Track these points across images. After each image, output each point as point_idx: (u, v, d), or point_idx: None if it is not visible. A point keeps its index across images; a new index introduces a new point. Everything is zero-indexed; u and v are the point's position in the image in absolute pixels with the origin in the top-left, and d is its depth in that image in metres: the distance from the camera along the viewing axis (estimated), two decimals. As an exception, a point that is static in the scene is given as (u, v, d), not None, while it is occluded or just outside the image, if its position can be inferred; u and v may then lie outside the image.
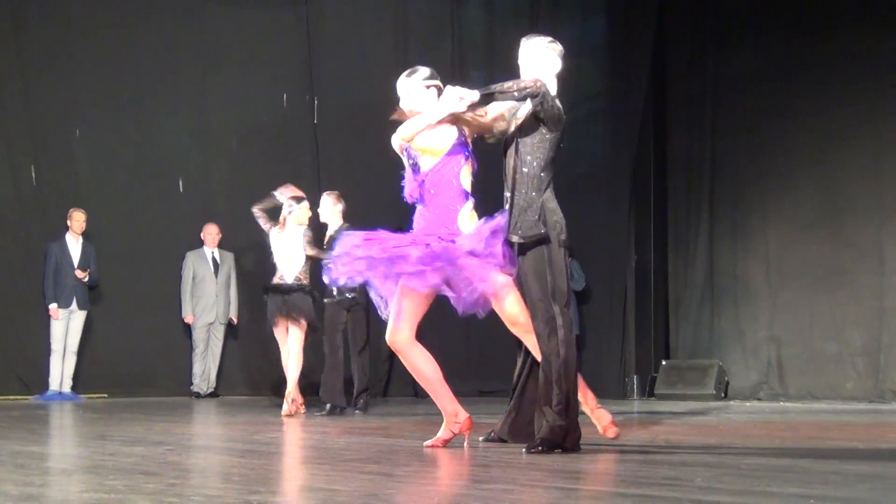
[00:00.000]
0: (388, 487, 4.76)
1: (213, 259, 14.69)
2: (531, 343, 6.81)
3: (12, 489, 4.56)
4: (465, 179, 6.92)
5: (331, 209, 11.53)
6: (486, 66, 15.96)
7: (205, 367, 14.64)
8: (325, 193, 11.70)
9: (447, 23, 15.86)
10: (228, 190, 15.19)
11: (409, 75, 7.03)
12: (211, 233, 14.61)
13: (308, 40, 15.69)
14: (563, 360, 6.50)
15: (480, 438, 7.15)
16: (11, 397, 13.76)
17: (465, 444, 6.77)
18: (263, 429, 8.75)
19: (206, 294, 14.64)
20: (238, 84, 15.54)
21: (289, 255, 11.32)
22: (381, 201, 15.22)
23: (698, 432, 8.33)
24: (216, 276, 14.67)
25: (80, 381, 14.07)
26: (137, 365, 14.62)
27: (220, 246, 14.72)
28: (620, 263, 15.03)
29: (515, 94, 6.66)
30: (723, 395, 14.18)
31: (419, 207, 6.89)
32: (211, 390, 14.57)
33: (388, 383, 15.11)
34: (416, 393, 14.97)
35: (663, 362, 14.87)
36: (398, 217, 14.78)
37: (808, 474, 5.39)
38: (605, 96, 15.46)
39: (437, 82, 7.01)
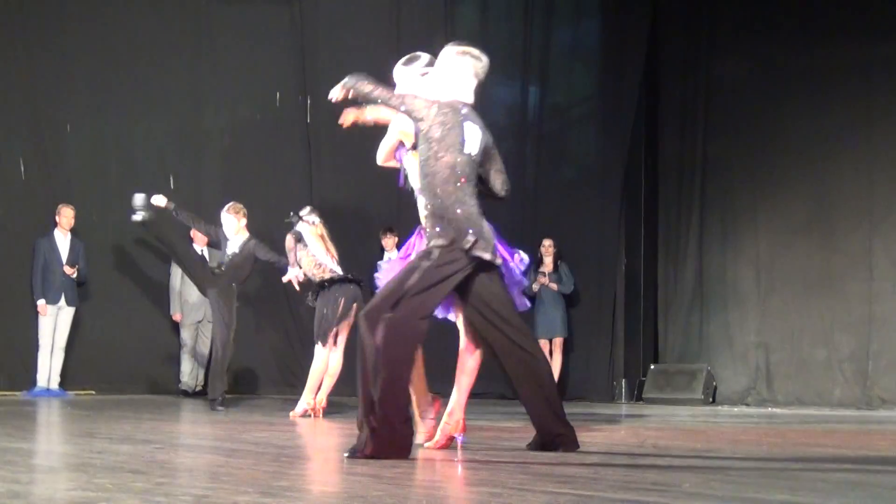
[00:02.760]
0: (376, 489, 4.75)
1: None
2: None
3: (-1, 486, 4.55)
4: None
5: (235, 226, 11.52)
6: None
7: (193, 365, 14.64)
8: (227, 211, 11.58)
9: (440, 22, 15.86)
10: (219, 188, 15.15)
11: (406, 63, 6.91)
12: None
13: (301, 39, 15.70)
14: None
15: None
16: (-1, 393, 13.76)
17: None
18: (251, 428, 8.74)
19: (195, 292, 14.62)
20: (231, 82, 15.54)
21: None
22: (373, 200, 15.30)
23: (686, 437, 8.34)
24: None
25: (68, 377, 14.06)
26: (125, 362, 14.62)
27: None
28: (610, 266, 15.04)
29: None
30: (711, 399, 14.20)
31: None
32: (199, 388, 14.56)
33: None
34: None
35: (651, 366, 14.88)
36: (390, 216, 14.90)
37: (797, 481, 5.39)
38: (597, 99, 15.50)
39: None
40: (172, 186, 15.00)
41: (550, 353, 14.70)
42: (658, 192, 15.31)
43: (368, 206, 15.39)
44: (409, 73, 6.80)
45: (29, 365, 13.96)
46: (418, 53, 6.93)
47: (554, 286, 14.71)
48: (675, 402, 14.03)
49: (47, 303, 13.80)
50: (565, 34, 15.91)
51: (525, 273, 6.92)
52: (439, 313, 6.75)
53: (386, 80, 6.84)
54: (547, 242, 14.75)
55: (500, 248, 6.51)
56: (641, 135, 15.23)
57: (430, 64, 6.72)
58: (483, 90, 17.00)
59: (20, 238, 14.16)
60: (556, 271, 14.75)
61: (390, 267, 6.84)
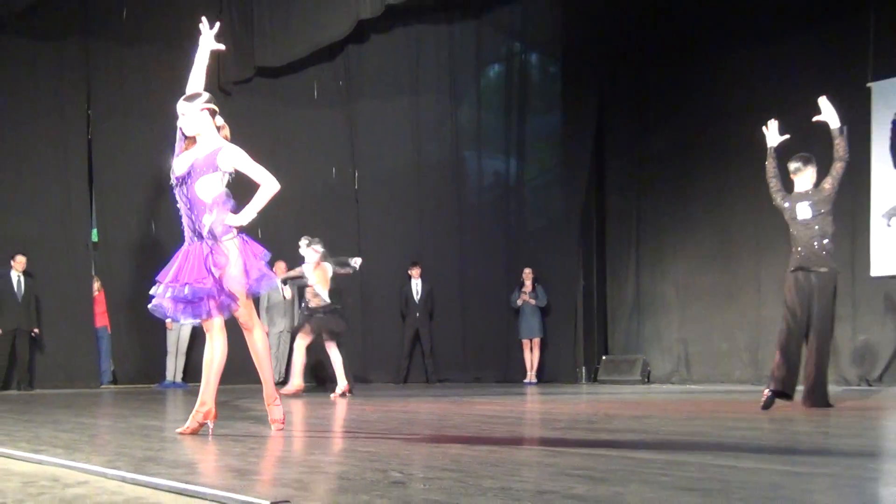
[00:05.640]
0: (406, 449, 4.75)
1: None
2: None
3: (138, 453, 4.56)
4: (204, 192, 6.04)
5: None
6: (476, 147, 16.03)
7: (276, 363, 14.61)
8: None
9: (448, 117, 15.95)
10: (293, 238, 15.16)
11: (187, 99, 5.66)
12: (280, 268, 14.60)
13: (351, 130, 15.80)
14: None
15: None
16: (139, 385, 13.78)
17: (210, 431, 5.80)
18: (319, 409, 8.73)
19: (278, 311, 14.63)
20: (300, 160, 15.57)
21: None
22: (405, 243, 15.34)
23: (629, 408, 8.30)
24: (284, 299, 14.67)
25: (189, 373, 14.06)
26: (232, 360, 14.50)
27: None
28: (572, 286, 15.00)
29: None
30: (646, 380, 14.15)
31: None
32: (280, 380, 14.53)
33: (408, 373, 15.10)
34: (427, 379, 14.96)
35: (603, 357, 14.84)
36: (416, 254, 14.84)
37: (706, 437, 5.38)
38: (561, 168, 15.49)
39: (213, 106, 5.68)
40: (260, 235, 15.02)
41: (531, 349, 14.75)
42: (606, 233, 15.28)
43: (400, 248, 15.41)
44: (191, 108, 5.61)
45: (160, 364, 13.99)
46: (200, 91, 5.72)
47: (532, 301, 14.74)
48: (621, 382, 13.99)
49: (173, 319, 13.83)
50: (537, 122, 15.93)
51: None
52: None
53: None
54: (527, 270, 14.80)
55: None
56: (593, 193, 15.20)
57: (210, 101, 5.67)
58: (479, 163, 16.81)
59: (151, 278, 14.16)
60: (534, 290, 14.79)
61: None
